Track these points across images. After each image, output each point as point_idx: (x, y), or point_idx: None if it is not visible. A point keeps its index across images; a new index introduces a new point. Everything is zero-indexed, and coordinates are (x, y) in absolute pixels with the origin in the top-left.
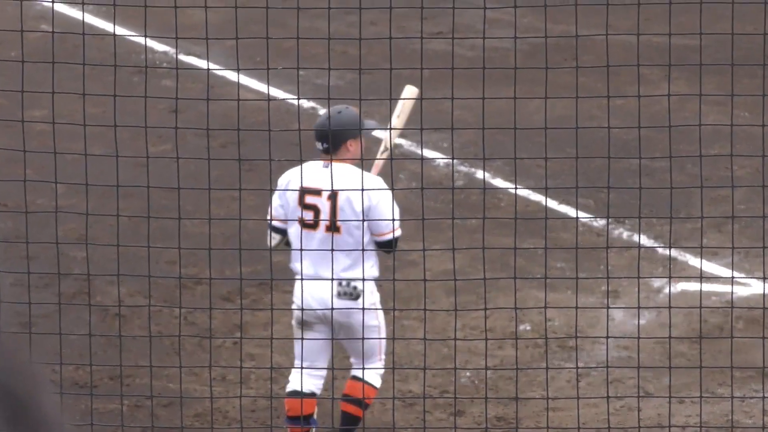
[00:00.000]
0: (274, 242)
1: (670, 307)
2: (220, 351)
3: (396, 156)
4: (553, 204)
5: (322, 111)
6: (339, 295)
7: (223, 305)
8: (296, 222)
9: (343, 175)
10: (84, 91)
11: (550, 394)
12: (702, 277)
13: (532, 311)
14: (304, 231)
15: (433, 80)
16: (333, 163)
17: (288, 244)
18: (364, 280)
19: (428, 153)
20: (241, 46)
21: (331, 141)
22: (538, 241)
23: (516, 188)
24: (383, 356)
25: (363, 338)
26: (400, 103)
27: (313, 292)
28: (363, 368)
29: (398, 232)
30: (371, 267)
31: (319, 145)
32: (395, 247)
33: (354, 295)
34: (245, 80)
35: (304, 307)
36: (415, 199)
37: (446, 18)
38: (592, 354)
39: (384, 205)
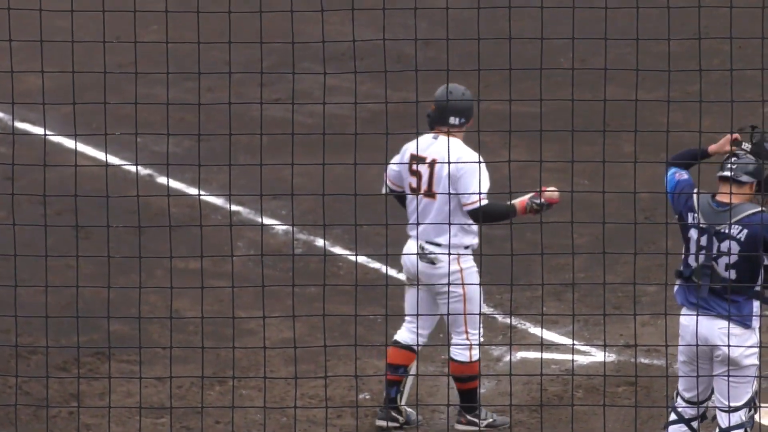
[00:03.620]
0: (388, 190)
1: (510, 375)
2: (56, 421)
3: (235, 223)
4: (392, 272)
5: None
6: (420, 258)
7: (59, 374)
8: (407, 186)
9: (446, 146)
10: None
11: None
12: (542, 345)
13: (372, 379)
14: (410, 195)
15: (272, 147)
16: (444, 136)
17: (398, 198)
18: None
19: (267, 220)
20: (77, 112)
21: (464, 116)
22: (377, 308)
23: (356, 255)
24: (472, 331)
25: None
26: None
27: (407, 251)
28: (449, 344)
29: (483, 202)
30: (455, 236)
31: (454, 120)
32: (481, 219)
33: (429, 260)
34: (82, 147)
35: (404, 265)
36: (255, 267)
37: (285, 84)
38: (432, 423)
39: (469, 176)
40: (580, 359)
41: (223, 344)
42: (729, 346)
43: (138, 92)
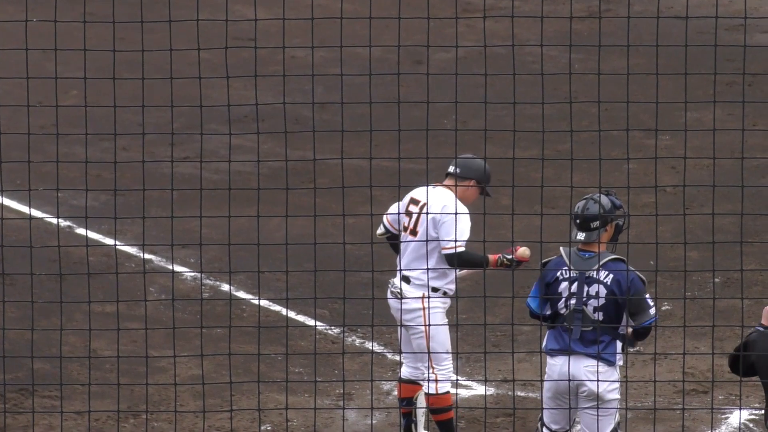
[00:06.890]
0: (379, 232)
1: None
2: None
3: (148, 270)
4: (292, 314)
5: (83, 234)
6: (391, 293)
7: None
8: (401, 226)
9: (441, 194)
10: None
11: None
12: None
13: (273, 412)
14: (402, 234)
15: (181, 201)
16: (441, 187)
17: (389, 238)
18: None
19: (178, 268)
20: (3, 169)
21: (464, 170)
22: (278, 347)
23: (259, 299)
24: (437, 366)
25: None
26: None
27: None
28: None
29: (459, 250)
30: (431, 275)
31: (453, 169)
32: (456, 264)
33: (396, 294)
34: (7, 201)
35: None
36: (165, 310)
37: (193, 144)
38: None
39: (451, 223)
40: (463, 393)
41: (137, 381)
42: (598, 381)
43: (59, 151)
